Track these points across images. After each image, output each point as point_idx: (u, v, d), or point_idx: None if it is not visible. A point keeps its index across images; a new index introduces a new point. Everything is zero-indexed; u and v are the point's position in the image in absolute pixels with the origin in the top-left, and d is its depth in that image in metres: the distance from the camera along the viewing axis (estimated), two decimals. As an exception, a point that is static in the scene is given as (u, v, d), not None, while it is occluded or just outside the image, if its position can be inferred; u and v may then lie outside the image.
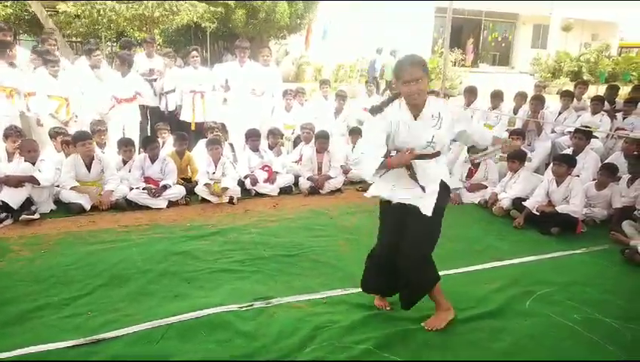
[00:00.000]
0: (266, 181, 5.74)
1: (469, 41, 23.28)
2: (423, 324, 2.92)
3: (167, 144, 6.12)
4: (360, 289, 3.15)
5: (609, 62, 23.15)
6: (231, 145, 6.27)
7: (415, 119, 2.70)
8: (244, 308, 3.05)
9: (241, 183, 5.65)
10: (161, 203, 5.10)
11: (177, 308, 3.02)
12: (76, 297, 3.17)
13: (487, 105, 7.11)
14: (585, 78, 20.25)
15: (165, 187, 5.18)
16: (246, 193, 5.61)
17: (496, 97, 6.97)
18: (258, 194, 5.63)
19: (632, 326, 2.99)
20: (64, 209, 4.87)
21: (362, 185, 6.13)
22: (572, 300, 3.30)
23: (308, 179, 5.82)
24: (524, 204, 4.87)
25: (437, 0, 19.84)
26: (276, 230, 4.50)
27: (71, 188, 4.90)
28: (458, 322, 2.98)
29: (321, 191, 5.76)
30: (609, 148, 6.38)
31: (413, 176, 2.73)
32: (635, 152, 5.58)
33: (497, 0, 21.52)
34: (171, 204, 5.16)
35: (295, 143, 7.03)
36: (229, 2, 14.69)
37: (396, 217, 2.82)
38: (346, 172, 6.23)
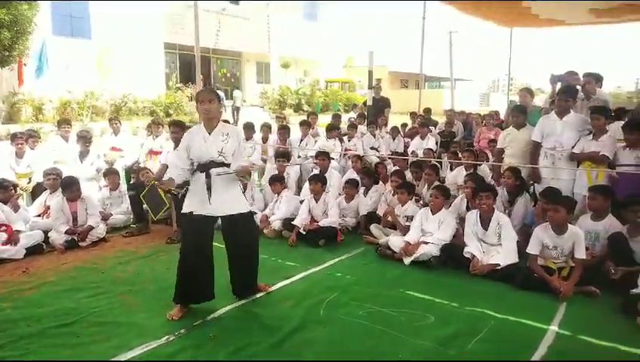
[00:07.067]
0: (6, 243, 4.70)
1: (198, 77, 23.94)
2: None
3: None
4: (164, 340, 2.94)
5: (320, 95, 27.38)
6: (-56, 206, 4.93)
7: (209, 134, 3.43)
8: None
9: (-31, 251, 4.50)
10: None
11: None
12: None
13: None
14: (305, 108, 23.35)
15: None
16: (-21, 262, 4.48)
17: (249, 129, 7.46)
18: (-2, 261, 4.58)
19: (404, 311, 3.59)
20: None
21: (129, 230, 5.67)
22: (354, 300, 3.77)
23: (66, 232, 5.03)
24: (293, 223, 5.33)
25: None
26: (37, 299, 3.75)
27: None
28: (265, 348, 3.03)
29: (81, 244, 5.06)
30: (343, 166, 7.53)
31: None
32: (362, 167, 6.77)
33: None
34: None
35: (35, 194, 5.99)
36: None
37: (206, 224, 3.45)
38: (106, 218, 5.63)
